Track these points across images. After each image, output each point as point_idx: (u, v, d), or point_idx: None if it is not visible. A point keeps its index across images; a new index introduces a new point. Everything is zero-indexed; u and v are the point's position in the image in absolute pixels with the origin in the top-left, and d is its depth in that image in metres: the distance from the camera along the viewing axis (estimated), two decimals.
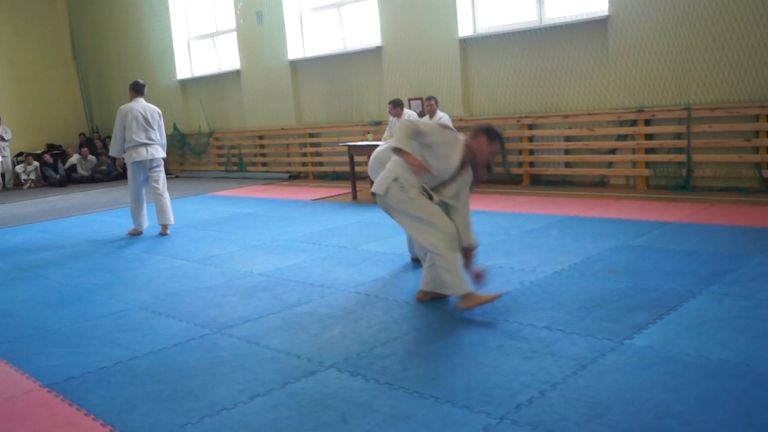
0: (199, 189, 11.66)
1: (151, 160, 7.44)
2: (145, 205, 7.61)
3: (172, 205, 7.74)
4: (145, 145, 7.34)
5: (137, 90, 7.46)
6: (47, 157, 15.16)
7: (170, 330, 4.18)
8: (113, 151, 7.49)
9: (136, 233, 7.59)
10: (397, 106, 8.95)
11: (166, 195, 7.53)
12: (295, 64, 11.90)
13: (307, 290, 4.81)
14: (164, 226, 7.50)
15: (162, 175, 7.57)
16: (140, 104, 7.39)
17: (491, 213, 7.13)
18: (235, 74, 13.05)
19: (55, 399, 3.29)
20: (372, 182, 4.62)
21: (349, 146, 9.23)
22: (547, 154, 8.86)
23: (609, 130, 8.26)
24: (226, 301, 4.73)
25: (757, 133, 7.16)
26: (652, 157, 7.91)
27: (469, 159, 4.14)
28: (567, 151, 8.70)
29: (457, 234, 4.15)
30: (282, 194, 10.16)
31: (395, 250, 5.77)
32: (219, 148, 13.84)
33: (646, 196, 7.49)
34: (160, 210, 7.47)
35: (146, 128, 7.34)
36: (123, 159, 7.50)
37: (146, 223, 7.64)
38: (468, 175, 4.20)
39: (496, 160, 9.19)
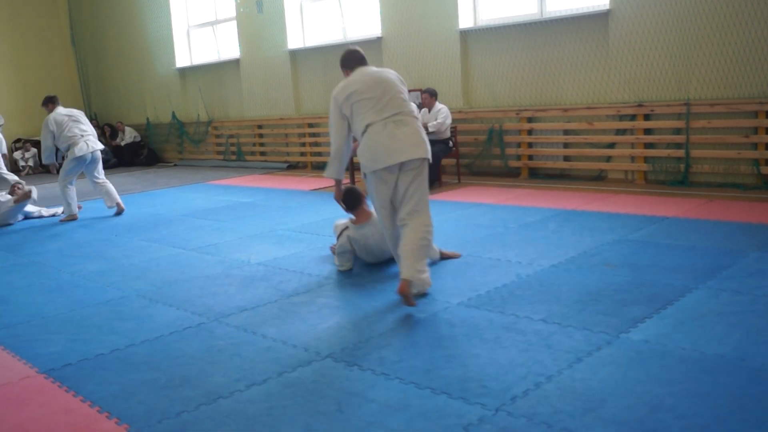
0: (197, 178, 11.65)
1: (92, 153, 8.01)
2: (74, 189, 8.13)
3: (171, 193, 7.85)
4: (83, 138, 7.96)
5: (55, 102, 8.14)
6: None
7: (167, 318, 4.18)
8: (47, 159, 8.15)
9: (72, 218, 8.06)
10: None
11: (108, 181, 8.31)
12: (294, 54, 11.87)
13: (304, 280, 4.81)
14: (119, 204, 8.19)
15: (101, 166, 8.25)
16: (62, 110, 8.10)
17: (489, 205, 7.13)
18: (235, 63, 13.01)
19: (51, 385, 3.30)
20: None
21: None
22: (546, 148, 8.85)
23: (608, 124, 8.25)
24: (223, 290, 4.74)
25: (756, 130, 7.16)
26: (651, 152, 7.91)
27: None
28: (566, 145, 8.70)
29: None
30: (280, 184, 10.15)
31: None
32: (217, 136, 13.81)
33: (644, 190, 7.50)
34: (108, 193, 8.18)
35: (78, 124, 8.02)
36: (57, 165, 8.19)
37: (76, 205, 8.17)
38: None
39: (494, 153, 9.22)
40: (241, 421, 2.80)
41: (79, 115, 8.19)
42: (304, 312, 4.13)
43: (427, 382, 3.02)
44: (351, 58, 4.42)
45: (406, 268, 4.05)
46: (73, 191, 8.08)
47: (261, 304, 4.33)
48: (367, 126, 4.13)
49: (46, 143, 8.03)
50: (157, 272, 5.34)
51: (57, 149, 8.14)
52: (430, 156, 4.24)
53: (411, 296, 3.98)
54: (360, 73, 4.30)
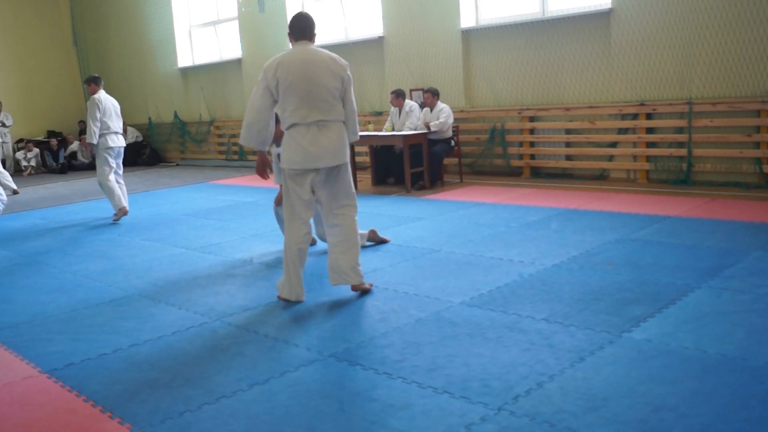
0: (200, 177, 11.66)
1: (121, 148, 7.97)
2: (116, 185, 7.89)
3: (173, 192, 7.84)
4: (117, 133, 7.88)
5: (99, 83, 7.95)
6: (53, 143, 15.16)
7: (170, 318, 4.19)
8: (93, 138, 7.73)
9: (123, 213, 7.82)
10: (398, 96, 8.94)
11: (123, 182, 8.12)
12: None
13: (306, 280, 4.81)
14: (123, 208, 7.91)
15: (121, 162, 8.12)
16: (107, 96, 7.94)
17: (491, 205, 7.13)
18: (237, 63, 13.01)
19: (54, 385, 3.30)
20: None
21: None
22: (548, 147, 8.85)
23: (610, 123, 8.24)
24: (226, 289, 4.74)
25: (758, 129, 7.15)
26: (653, 151, 7.90)
27: None
28: (568, 144, 8.69)
29: None
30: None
31: (394, 240, 5.77)
32: (219, 136, 13.81)
33: (646, 189, 7.49)
34: (122, 195, 7.95)
35: (118, 118, 7.96)
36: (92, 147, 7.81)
37: (124, 199, 7.93)
38: None
39: (496, 152, 9.22)
40: (243, 420, 2.80)
41: (118, 106, 8.07)
42: (306, 312, 4.13)
43: (429, 382, 3.02)
44: (297, 25, 4.25)
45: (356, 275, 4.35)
46: (114, 184, 7.83)
47: (263, 304, 4.34)
48: (291, 126, 4.14)
49: (95, 121, 7.67)
50: (159, 272, 5.34)
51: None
52: (348, 159, 4.31)
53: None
54: (296, 54, 4.12)
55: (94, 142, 7.73)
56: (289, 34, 4.29)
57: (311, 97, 4.08)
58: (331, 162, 4.17)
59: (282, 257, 4.35)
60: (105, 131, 7.75)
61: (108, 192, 7.82)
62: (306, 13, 4.34)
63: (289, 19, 13.17)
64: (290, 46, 4.34)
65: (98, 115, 7.67)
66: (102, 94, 7.85)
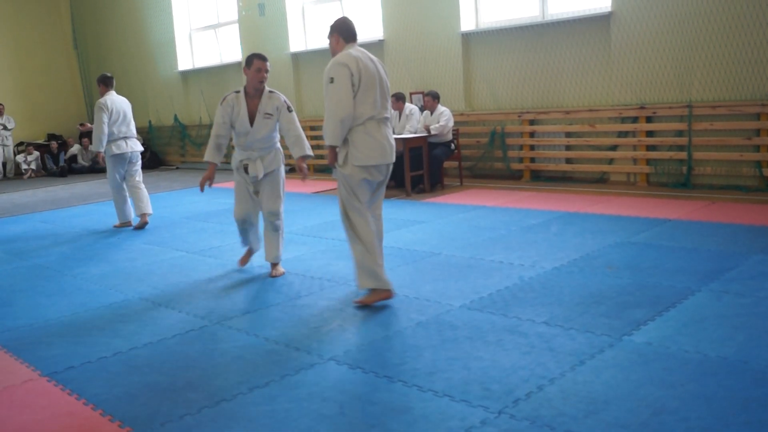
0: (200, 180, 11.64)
1: (131, 153, 7.43)
2: (127, 195, 7.50)
3: (174, 196, 7.76)
4: (126, 138, 7.37)
5: (109, 83, 7.51)
6: (53, 146, 15.17)
7: (170, 321, 4.19)
8: (99, 146, 7.23)
9: (125, 225, 7.48)
10: (399, 99, 8.94)
11: (143, 186, 7.53)
12: (296, 57, 11.88)
13: (306, 283, 4.81)
14: (144, 215, 7.40)
15: (139, 168, 7.57)
16: (118, 97, 7.48)
17: (492, 208, 7.13)
18: (237, 66, 13.02)
19: (54, 388, 3.30)
20: None
21: None
22: (548, 150, 8.85)
23: (610, 126, 8.25)
24: (226, 292, 4.74)
25: (758, 132, 7.16)
26: (653, 154, 7.90)
27: (256, 97, 4.91)
28: (568, 147, 8.69)
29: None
30: None
31: (394, 243, 5.77)
32: None
33: (646, 193, 7.49)
34: (140, 200, 7.40)
35: (127, 122, 7.43)
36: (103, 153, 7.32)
37: (131, 212, 7.55)
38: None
39: (496, 155, 9.23)
40: (243, 423, 2.80)
41: (129, 109, 7.57)
42: (307, 315, 4.13)
43: (429, 385, 3.02)
44: (348, 27, 4.32)
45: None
46: (125, 194, 7.44)
47: (263, 307, 4.33)
48: (367, 119, 4.10)
49: (101, 127, 7.17)
50: (159, 275, 5.34)
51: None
52: None
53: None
54: (359, 53, 4.18)
55: (101, 150, 7.24)
56: (336, 35, 4.33)
57: (381, 94, 4.17)
58: (393, 158, 4.26)
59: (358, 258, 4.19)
60: (111, 138, 7.27)
61: (117, 199, 7.48)
62: (351, 19, 4.44)
63: (290, 21, 13.11)
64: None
65: (105, 120, 7.18)
66: (110, 97, 7.35)
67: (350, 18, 4.44)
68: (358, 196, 4.17)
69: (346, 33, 4.30)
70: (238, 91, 4.96)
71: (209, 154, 5.14)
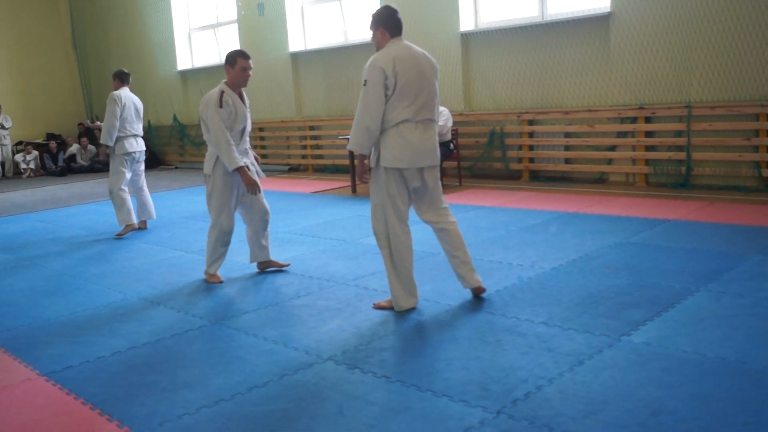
0: (199, 180, 11.65)
1: (141, 152, 7.22)
2: (128, 196, 7.14)
3: (171, 196, 7.73)
4: (135, 136, 7.15)
5: (124, 79, 7.28)
6: (52, 145, 15.16)
7: (168, 320, 4.19)
8: (108, 140, 6.94)
9: (129, 229, 7.04)
10: None
11: (147, 190, 7.36)
12: (296, 57, 11.88)
13: (305, 283, 4.81)
14: (144, 222, 7.29)
15: (143, 168, 7.37)
16: (131, 94, 7.27)
17: (490, 208, 7.13)
18: None
19: (53, 388, 3.30)
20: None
21: (349, 140, 9.20)
22: (547, 150, 8.85)
23: (609, 126, 8.25)
24: (224, 292, 4.74)
25: (757, 132, 7.16)
26: (652, 155, 7.91)
27: (238, 93, 4.90)
28: (567, 148, 8.69)
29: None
30: (281, 187, 10.15)
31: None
32: None
33: (645, 193, 7.50)
34: (144, 205, 7.26)
35: (139, 119, 7.22)
36: (108, 149, 7.03)
37: (134, 215, 7.16)
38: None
39: (495, 155, 9.23)
40: (242, 423, 2.80)
41: (141, 108, 7.36)
42: (306, 314, 4.13)
43: (428, 385, 3.02)
44: (394, 20, 4.04)
45: (473, 275, 4.13)
46: (126, 195, 7.05)
47: (262, 307, 4.33)
48: (400, 122, 3.91)
49: (113, 120, 6.90)
50: (158, 275, 5.34)
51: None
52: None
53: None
54: (403, 50, 3.93)
55: (110, 143, 6.93)
56: (382, 28, 4.03)
57: (423, 95, 3.93)
58: (432, 161, 4.06)
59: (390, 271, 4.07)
60: (122, 134, 6.97)
61: (117, 203, 7.01)
62: (395, 8, 4.12)
63: (289, 21, 13.11)
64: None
65: (117, 113, 6.91)
66: (124, 92, 7.13)
67: (394, 7, 4.13)
68: (394, 200, 3.98)
69: (391, 26, 4.02)
70: (223, 90, 4.86)
71: (237, 160, 4.72)
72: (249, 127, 5.04)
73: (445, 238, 4.12)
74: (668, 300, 3.92)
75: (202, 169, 5.01)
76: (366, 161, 4.09)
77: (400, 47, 3.96)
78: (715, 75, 7.42)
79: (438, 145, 4.16)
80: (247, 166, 4.85)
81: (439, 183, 4.23)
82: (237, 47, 12.86)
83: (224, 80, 4.93)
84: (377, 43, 4.05)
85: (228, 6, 13.22)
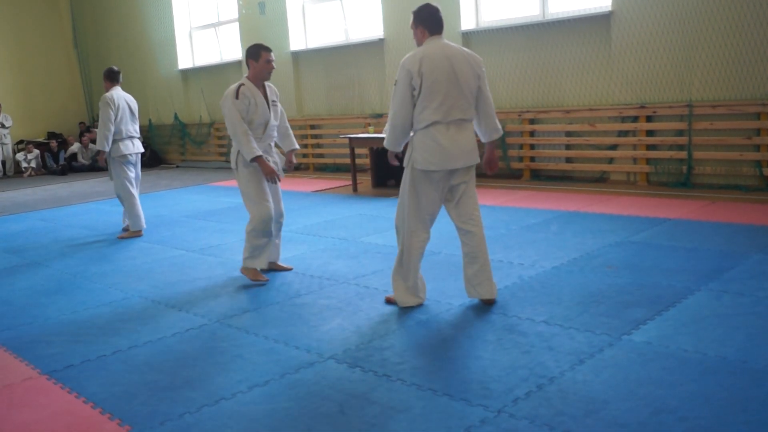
0: (200, 179, 11.66)
1: (137, 155, 7.04)
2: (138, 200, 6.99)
3: (172, 195, 7.71)
4: (132, 138, 6.94)
5: (114, 78, 6.98)
6: (53, 144, 15.17)
7: (169, 319, 4.19)
8: (104, 145, 6.76)
9: (136, 234, 6.90)
10: None
11: (138, 196, 7.03)
12: (297, 56, 11.88)
13: (306, 281, 4.82)
14: (129, 227, 7.02)
15: (140, 172, 7.18)
16: (124, 94, 6.99)
17: (491, 207, 7.13)
18: (237, 64, 13.02)
19: (54, 386, 3.30)
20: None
21: (350, 138, 9.22)
22: (547, 149, 8.85)
23: (610, 125, 8.25)
24: (226, 291, 4.74)
25: (758, 131, 7.15)
26: (653, 154, 7.90)
27: (261, 87, 4.81)
28: (568, 147, 8.69)
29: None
30: (282, 185, 10.09)
31: (393, 242, 5.76)
32: (220, 138, 13.81)
33: (646, 192, 7.49)
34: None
35: (134, 120, 6.99)
36: (105, 154, 6.85)
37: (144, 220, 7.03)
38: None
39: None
40: (243, 422, 2.80)
41: (135, 107, 7.06)
42: (307, 314, 4.13)
43: (429, 384, 3.02)
44: (434, 18, 3.99)
45: (490, 284, 4.04)
46: (136, 199, 6.89)
47: (263, 306, 4.33)
48: (430, 124, 3.89)
49: (108, 125, 6.68)
50: (159, 274, 5.34)
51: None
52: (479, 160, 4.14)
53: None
54: (437, 49, 3.90)
55: (106, 149, 6.75)
56: (419, 26, 4.00)
57: (454, 95, 3.86)
58: (467, 162, 4.00)
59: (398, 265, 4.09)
60: (117, 137, 6.77)
61: (128, 205, 6.86)
62: (437, 7, 4.06)
63: (290, 20, 13.13)
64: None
65: (111, 117, 6.69)
66: (116, 93, 6.85)
67: (435, 5, 4.05)
68: (419, 199, 3.99)
69: (431, 24, 3.99)
70: (242, 83, 4.78)
71: (254, 150, 4.66)
72: (275, 122, 4.94)
73: (469, 242, 4.05)
74: (669, 299, 3.92)
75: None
76: (397, 156, 4.18)
77: (432, 46, 3.93)
78: (716, 74, 7.41)
79: (476, 145, 4.07)
80: (267, 160, 4.80)
81: (473, 185, 4.18)
82: (238, 46, 12.93)
83: (246, 75, 4.85)
84: (417, 41, 4.06)
85: (229, 5, 13.22)
